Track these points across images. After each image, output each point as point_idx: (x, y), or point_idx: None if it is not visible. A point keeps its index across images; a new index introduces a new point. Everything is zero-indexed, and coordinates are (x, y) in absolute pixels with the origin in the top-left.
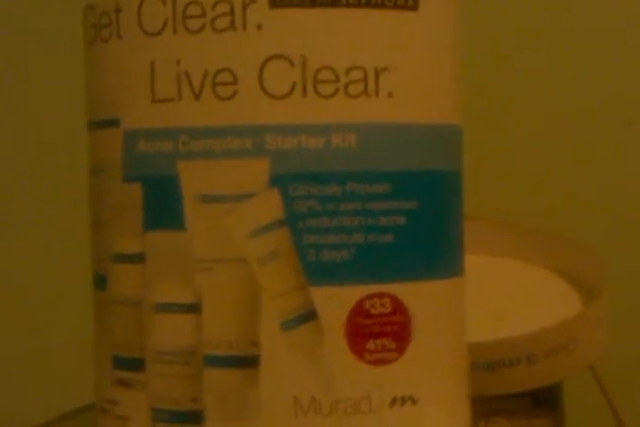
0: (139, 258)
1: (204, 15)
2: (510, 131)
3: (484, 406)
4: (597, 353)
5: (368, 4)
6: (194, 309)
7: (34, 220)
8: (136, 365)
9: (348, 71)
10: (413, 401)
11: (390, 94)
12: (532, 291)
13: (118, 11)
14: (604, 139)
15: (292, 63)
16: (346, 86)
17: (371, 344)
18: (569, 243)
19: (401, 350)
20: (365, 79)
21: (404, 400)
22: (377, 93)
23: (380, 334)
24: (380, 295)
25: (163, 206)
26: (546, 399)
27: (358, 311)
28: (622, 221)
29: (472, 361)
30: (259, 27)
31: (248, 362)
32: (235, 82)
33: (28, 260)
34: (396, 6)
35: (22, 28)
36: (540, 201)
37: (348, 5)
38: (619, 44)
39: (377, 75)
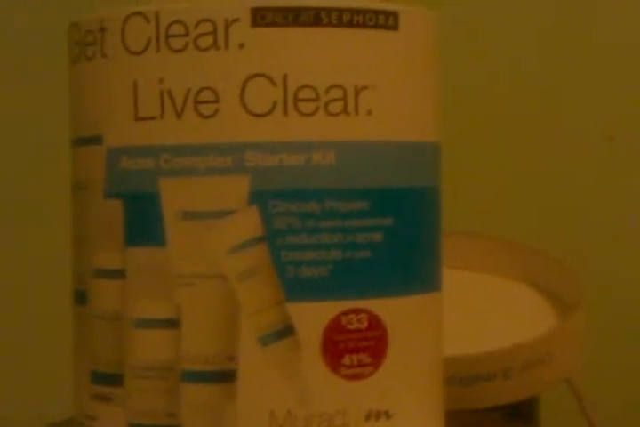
0: (119, 274)
1: (187, 34)
2: (490, 144)
3: (459, 419)
4: (574, 367)
5: (349, 24)
6: (173, 324)
7: (16, 233)
8: (115, 380)
9: (328, 90)
10: (388, 416)
11: (370, 112)
12: (508, 305)
13: (103, 29)
14: (586, 153)
15: (273, 82)
16: (326, 105)
17: (346, 359)
18: (545, 257)
19: (376, 364)
20: (345, 98)
21: (378, 415)
22: (357, 111)
23: (356, 349)
24: (357, 311)
25: (144, 223)
26: (522, 413)
27: (335, 327)
28: (603, 235)
29: (448, 375)
30: (241, 46)
31: (225, 377)
32: (217, 100)
33: (17, 271)
34: (376, 26)
35: (8, 46)
36: (520, 215)
37: (329, 25)
38: (607, 62)
39: (357, 93)
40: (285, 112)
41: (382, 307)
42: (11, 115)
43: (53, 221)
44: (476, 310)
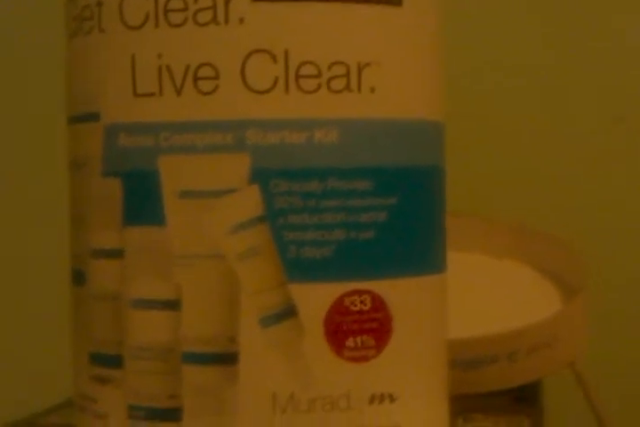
0: (118, 253)
1: (185, 9)
2: (497, 127)
3: (462, 403)
4: (578, 350)
5: None
6: (172, 305)
7: (13, 214)
8: (114, 361)
9: (330, 66)
10: (392, 398)
11: (373, 90)
12: (512, 288)
13: (100, 4)
14: (595, 135)
15: (274, 58)
16: (328, 81)
17: (350, 341)
18: (550, 240)
19: (380, 347)
20: (348, 74)
21: (382, 397)
22: (359, 89)
23: (359, 331)
24: (361, 292)
25: (142, 202)
26: (525, 396)
27: (338, 308)
28: (610, 219)
29: (453, 358)
30: (241, 21)
31: (226, 359)
32: (216, 76)
33: (6, 254)
34: (380, 1)
35: (3, 22)
36: (526, 198)
37: (332, 0)
38: (611, 39)
39: (360, 70)
40: (287, 89)
41: (386, 288)
42: (5, 95)
43: (52, 201)
44: (480, 293)
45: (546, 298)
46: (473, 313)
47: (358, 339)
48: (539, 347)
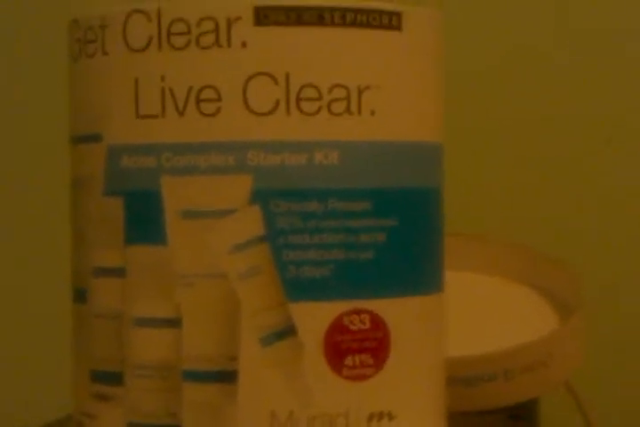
0: (119, 272)
1: (188, 32)
2: (490, 147)
3: (459, 421)
4: (573, 368)
5: (353, 24)
6: (173, 323)
7: (15, 231)
8: (114, 379)
9: (331, 89)
10: (391, 417)
11: (373, 112)
12: (509, 306)
13: (104, 26)
14: (584, 155)
15: (275, 81)
16: (329, 104)
17: (349, 360)
18: (545, 258)
19: (379, 366)
20: (348, 97)
21: (381, 416)
22: (359, 111)
23: (358, 350)
24: (359, 312)
25: (144, 221)
26: (521, 415)
27: (337, 327)
28: (601, 237)
29: (449, 376)
30: (243, 44)
31: (226, 377)
32: (219, 99)
33: (11, 265)
34: (380, 26)
35: (6, 42)
36: (518, 217)
37: (332, 24)
38: (601, 59)
39: (360, 93)
40: (288, 111)
41: (385, 308)
42: (8, 113)
43: (53, 220)
44: (478, 312)
45: (542, 316)
46: (469, 331)
47: (357, 358)
48: (534, 365)
